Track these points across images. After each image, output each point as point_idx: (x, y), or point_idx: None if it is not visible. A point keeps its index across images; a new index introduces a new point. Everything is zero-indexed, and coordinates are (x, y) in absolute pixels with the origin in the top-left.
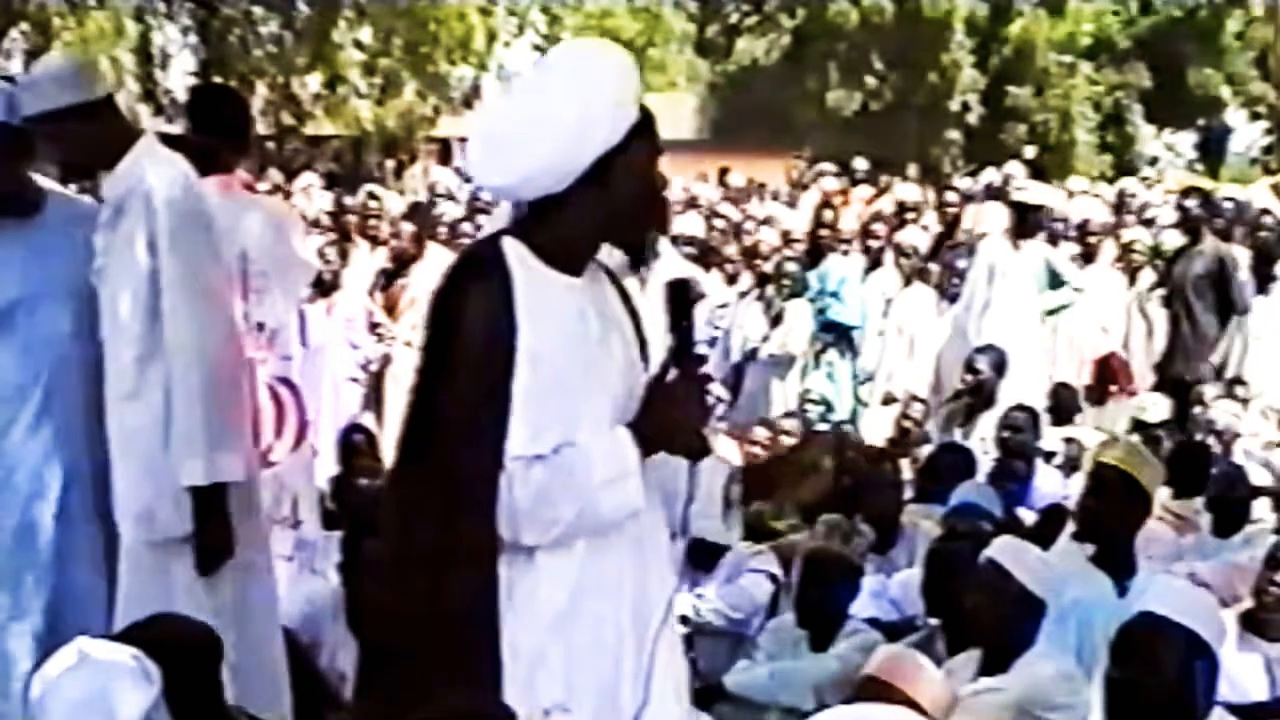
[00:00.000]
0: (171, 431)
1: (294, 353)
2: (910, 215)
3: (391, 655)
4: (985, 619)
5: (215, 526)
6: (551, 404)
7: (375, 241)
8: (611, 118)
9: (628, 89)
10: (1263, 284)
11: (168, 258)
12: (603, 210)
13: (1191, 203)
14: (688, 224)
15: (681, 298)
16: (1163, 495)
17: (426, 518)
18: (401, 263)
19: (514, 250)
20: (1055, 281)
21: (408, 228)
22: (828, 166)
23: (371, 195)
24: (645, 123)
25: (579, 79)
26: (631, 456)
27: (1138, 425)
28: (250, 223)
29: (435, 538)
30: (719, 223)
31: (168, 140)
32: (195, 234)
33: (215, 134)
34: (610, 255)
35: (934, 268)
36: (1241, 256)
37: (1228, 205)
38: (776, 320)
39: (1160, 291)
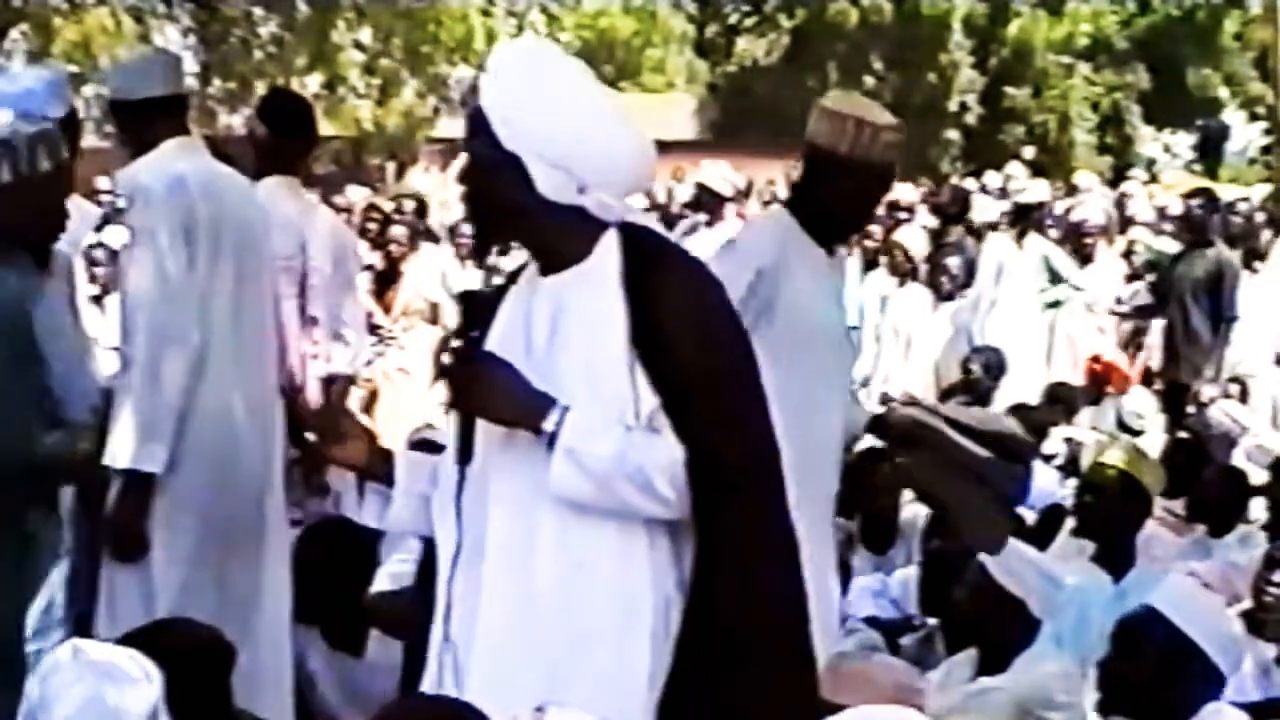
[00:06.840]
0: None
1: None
2: (903, 215)
3: None
4: (984, 619)
5: (131, 512)
6: None
7: (373, 244)
8: None
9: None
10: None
11: (134, 255)
12: None
13: (1196, 203)
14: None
15: (471, 307)
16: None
17: None
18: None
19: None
20: (1055, 279)
21: (400, 230)
22: None
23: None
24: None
25: None
26: None
27: (1123, 425)
28: (311, 220)
29: None
30: None
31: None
32: (162, 233)
33: (284, 135)
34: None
35: (924, 266)
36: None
37: (1239, 206)
38: None
39: (1145, 295)
